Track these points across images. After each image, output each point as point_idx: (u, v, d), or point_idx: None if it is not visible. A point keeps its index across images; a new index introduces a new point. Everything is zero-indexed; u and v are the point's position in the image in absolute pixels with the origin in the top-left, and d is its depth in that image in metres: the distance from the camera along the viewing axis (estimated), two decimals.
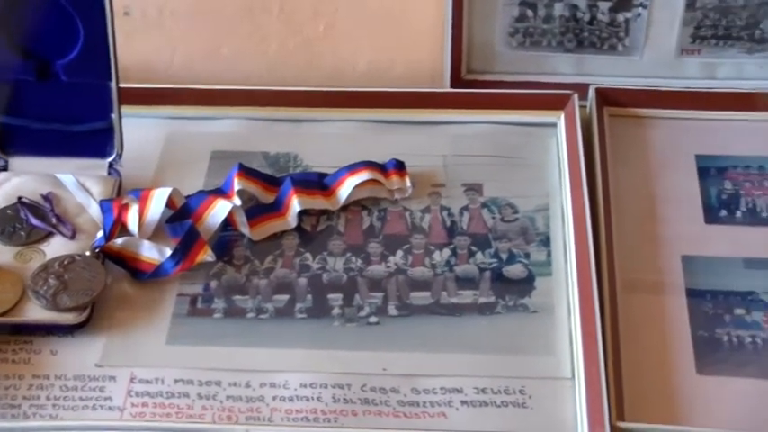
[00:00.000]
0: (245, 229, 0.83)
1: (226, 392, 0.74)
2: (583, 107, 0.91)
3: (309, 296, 0.80)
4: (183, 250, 0.80)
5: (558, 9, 0.93)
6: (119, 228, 0.82)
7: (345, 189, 0.85)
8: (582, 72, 0.95)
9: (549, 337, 0.77)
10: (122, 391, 0.74)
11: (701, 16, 0.92)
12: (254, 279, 0.81)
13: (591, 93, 0.91)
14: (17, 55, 0.84)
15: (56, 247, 0.82)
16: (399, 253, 0.83)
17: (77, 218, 0.84)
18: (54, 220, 0.83)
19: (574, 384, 0.74)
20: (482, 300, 0.79)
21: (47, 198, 0.85)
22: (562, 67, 0.95)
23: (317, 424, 0.72)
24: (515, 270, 0.81)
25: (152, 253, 0.81)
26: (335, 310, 0.79)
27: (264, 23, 0.96)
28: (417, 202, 0.86)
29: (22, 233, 0.82)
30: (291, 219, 0.84)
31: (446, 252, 0.83)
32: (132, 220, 0.82)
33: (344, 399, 0.73)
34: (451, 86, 0.94)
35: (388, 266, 0.82)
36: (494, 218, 0.85)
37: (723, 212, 0.85)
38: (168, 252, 0.80)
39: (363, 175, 0.85)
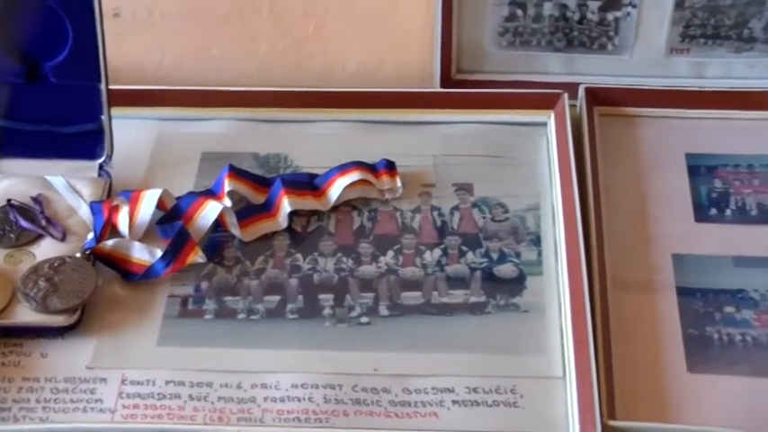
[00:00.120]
0: (235, 230, 0.83)
1: (217, 393, 0.74)
2: (573, 106, 0.91)
3: (300, 297, 0.80)
4: (174, 251, 0.80)
5: (548, 8, 0.93)
6: (109, 229, 0.82)
7: (336, 189, 0.85)
8: (572, 71, 0.95)
9: (540, 336, 0.77)
10: (113, 392, 0.74)
11: (690, 15, 0.92)
12: (245, 280, 0.81)
13: (581, 92, 0.91)
14: (6, 57, 0.84)
15: (46, 249, 0.81)
16: (390, 253, 0.83)
17: (68, 220, 0.84)
18: (44, 222, 0.83)
19: (565, 383, 0.74)
20: (473, 299, 0.80)
21: (37, 200, 0.85)
22: (552, 66, 0.95)
23: (308, 424, 0.72)
24: (506, 269, 0.81)
25: (143, 254, 0.81)
26: (326, 311, 0.79)
27: (254, 24, 0.96)
28: (408, 202, 0.86)
29: (12, 235, 0.82)
30: (282, 219, 0.84)
31: (437, 252, 0.83)
32: (123, 221, 0.82)
33: (336, 399, 0.73)
34: (441, 86, 0.94)
35: (379, 267, 0.82)
36: (484, 217, 0.85)
37: (713, 211, 0.85)
38: (159, 253, 0.80)
39: (354, 176, 0.85)
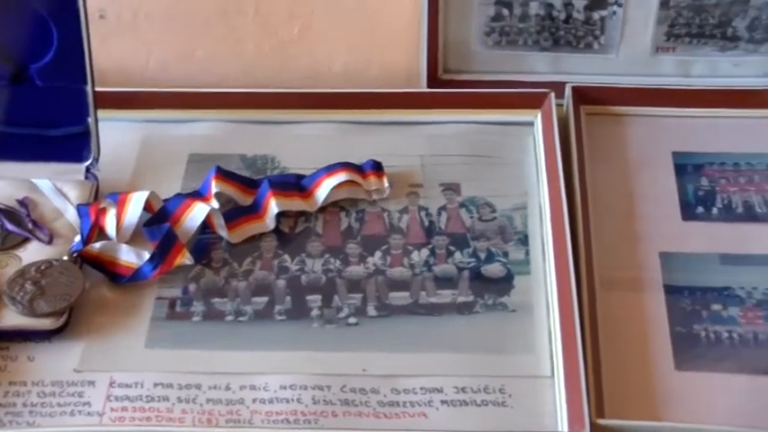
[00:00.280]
0: (223, 231, 0.83)
1: (206, 395, 0.74)
2: (559, 105, 0.91)
3: (288, 298, 0.80)
4: (161, 254, 0.80)
5: (534, 8, 0.93)
6: (96, 232, 0.82)
7: (323, 190, 0.85)
8: (558, 70, 0.95)
9: (528, 335, 0.77)
10: (101, 395, 0.74)
11: (675, 14, 0.92)
12: (233, 282, 0.81)
13: (567, 91, 0.91)
14: None
15: (32, 252, 0.81)
16: (378, 253, 0.83)
17: (54, 222, 0.83)
18: (30, 226, 0.83)
19: (553, 382, 0.74)
20: (461, 299, 0.80)
21: (23, 203, 0.84)
22: (538, 65, 0.95)
23: (297, 426, 0.72)
24: (494, 269, 0.82)
25: (130, 257, 0.81)
26: (314, 312, 0.79)
27: (240, 26, 0.96)
28: (395, 203, 0.86)
29: None
30: (269, 221, 0.84)
31: (424, 252, 0.83)
32: (110, 223, 0.82)
33: (324, 400, 0.73)
34: (428, 86, 0.94)
35: (367, 267, 0.82)
36: (472, 217, 0.85)
37: (700, 209, 0.86)
38: (146, 256, 0.80)
39: (341, 176, 0.85)
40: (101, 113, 0.85)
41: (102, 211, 0.83)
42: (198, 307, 0.79)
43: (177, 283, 0.81)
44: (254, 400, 0.73)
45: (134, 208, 0.83)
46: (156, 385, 0.74)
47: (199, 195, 0.85)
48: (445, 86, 0.95)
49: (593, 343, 0.75)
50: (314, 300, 0.80)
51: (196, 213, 0.82)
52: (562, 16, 0.93)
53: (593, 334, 0.75)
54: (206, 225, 0.83)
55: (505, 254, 0.82)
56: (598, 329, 0.76)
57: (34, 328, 0.76)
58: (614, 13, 0.92)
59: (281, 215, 0.84)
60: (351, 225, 0.85)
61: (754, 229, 0.83)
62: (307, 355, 0.76)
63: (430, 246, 0.83)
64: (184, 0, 0.95)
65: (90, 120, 0.85)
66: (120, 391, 0.74)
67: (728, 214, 0.85)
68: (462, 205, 0.86)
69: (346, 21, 0.95)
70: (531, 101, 0.91)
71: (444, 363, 0.75)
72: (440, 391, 0.74)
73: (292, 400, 0.73)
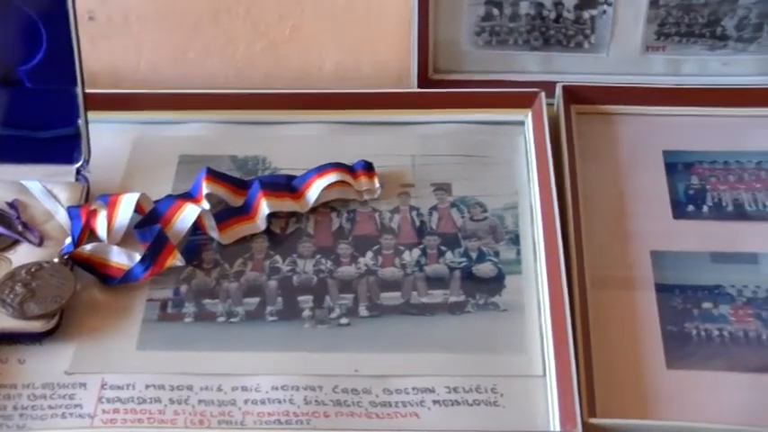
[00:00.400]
0: (214, 232, 0.83)
1: (197, 397, 0.74)
2: (550, 105, 0.91)
3: (280, 299, 0.80)
4: (153, 255, 0.80)
5: (524, 7, 0.93)
6: (87, 234, 0.82)
7: (314, 191, 0.85)
8: (549, 70, 0.95)
9: (519, 334, 0.77)
10: (93, 397, 0.73)
11: (665, 14, 0.92)
12: (224, 283, 0.81)
13: (558, 90, 0.91)
14: None
15: (22, 254, 0.81)
16: (369, 254, 0.83)
17: (45, 225, 0.83)
18: (20, 228, 0.83)
19: (545, 382, 0.74)
20: (452, 299, 0.80)
21: (12, 205, 0.84)
22: (529, 65, 0.95)
23: (289, 426, 0.72)
24: (485, 269, 0.82)
25: (121, 258, 0.81)
26: (306, 313, 0.79)
27: (231, 27, 0.96)
28: (386, 203, 0.86)
29: None
30: (260, 221, 0.84)
31: (416, 252, 0.83)
32: (101, 225, 0.82)
33: (316, 401, 0.73)
34: (419, 86, 0.94)
35: (359, 267, 0.82)
36: (463, 217, 0.85)
37: (690, 207, 0.86)
38: (137, 257, 0.80)
39: (332, 177, 0.85)
40: (91, 115, 0.85)
41: (93, 213, 0.82)
42: (189, 308, 0.79)
43: (168, 284, 0.81)
44: (246, 401, 0.73)
45: (125, 210, 0.83)
46: (147, 387, 0.74)
47: (190, 197, 0.85)
48: (436, 86, 0.95)
49: (584, 342, 0.75)
50: (305, 300, 0.80)
51: (187, 215, 0.82)
52: (552, 15, 0.93)
53: (584, 333, 0.75)
54: (197, 226, 0.83)
55: (497, 253, 0.83)
56: (589, 329, 0.76)
57: (24, 330, 0.76)
58: (604, 12, 0.93)
59: (272, 216, 0.84)
60: (342, 225, 0.85)
61: (744, 227, 0.84)
62: (298, 356, 0.76)
63: (421, 246, 0.83)
64: (175, 1, 0.95)
65: (80, 121, 0.85)
66: (112, 393, 0.74)
67: (719, 213, 0.85)
68: (453, 205, 0.86)
69: (337, 21, 0.95)
70: (522, 100, 0.91)
71: (436, 363, 0.75)
72: (432, 391, 0.74)
73: (284, 400, 0.73)
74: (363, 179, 0.86)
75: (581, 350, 0.74)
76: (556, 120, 0.90)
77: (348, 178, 0.86)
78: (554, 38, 0.94)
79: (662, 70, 0.95)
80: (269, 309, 0.79)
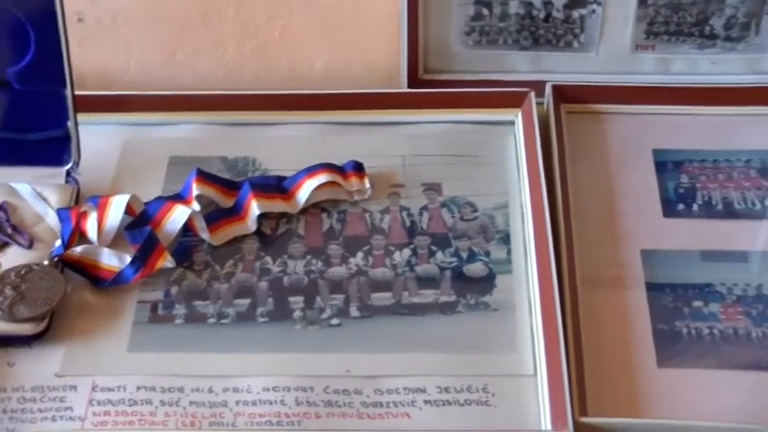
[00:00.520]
0: (204, 234, 0.83)
1: (189, 398, 0.74)
2: (540, 104, 0.91)
3: (270, 300, 0.80)
4: (143, 257, 0.80)
5: (514, 7, 0.93)
6: (77, 236, 0.82)
7: (304, 192, 0.85)
8: (538, 69, 0.95)
9: (510, 334, 0.77)
10: (84, 400, 0.73)
11: (654, 13, 0.92)
12: (215, 284, 0.81)
13: (548, 90, 0.91)
14: None
15: (12, 257, 0.81)
16: (360, 254, 0.83)
17: (34, 227, 0.83)
18: (10, 230, 0.82)
19: (536, 381, 0.74)
20: (443, 299, 0.80)
21: (2, 208, 0.84)
22: (519, 64, 0.96)
23: (280, 427, 0.72)
24: (476, 268, 0.82)
25: (112, 260, 0.81)
26: (297, 313, 0.79)
27: (220, 28, 0.96)
28: (377, 203, 0.86)
29: None
30: (251, 223, 0.84)
31: (406, 252, 0.83)
32: (91, 227, 0.82)
33: (308, 401, 0.73)
34: (409, 86, 0.95)
35: (349, 268, 0.82)
36: (453, 217, 0.85)
37: (680, 206, 0.86)
38: (128, 259, 0.80)
39: (322, 178, 0.85)
40: (81, 117, 0.85)
41: (83, 215, 0.82)
42: (180, 310, 0.79)
43: (159, 286, 0.81)
44: (237, 403, 0.73)
45: (115, 211, 0.82)
46: (138, 389, 0.74)
47: (180, 198, 0.85)
48: (426, 86, 0.95)
49: (575, 341, 0.75)
50: (296, 301, 0.80)
51: (177, 216, 0.82)
52: (542, 15, 0.93)
53: (575, 332, 0.76)
54: (187, 228, 0.83)
55: (487, 253, 0.83)
56: (580, 328, 0.76)
57: (14, 333, 0.76)
58: (594, 11, 0.93)
59: (262, 217, 0.84)
60: (332, 226, 0.85)
61: (733, 225, 0.84)
62: (289, 357, 0.76)
63: (412, 246, 0.83)
64: (164, 3, 0.95)
65: (70, 123, 0.85)
66: (103, 396, 0.74)
67: (709, 211, 0.85)
68: (444, 205, 0.86)
69: (326, 22, 0.95)
70: (512, 100, 0.91)
71: (427, 363, 0.75)
72: (423, 391, 0.74)
73: (275, 401, 0.73)
74: (354, 179, 0.86)
75: (572, 349, 0.74)
76: (546, 119, 0.90)
77: (338, 179, 0.86)
78: (543, 37, 0.94)
79: (651, 69, 0.95)
80: (260, 310, 0.79)
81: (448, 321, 0.78)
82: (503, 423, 0.72)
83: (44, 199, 0.85)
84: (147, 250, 0.80)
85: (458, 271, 0.81)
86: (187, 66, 0.98)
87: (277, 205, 0.85)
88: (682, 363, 0.75)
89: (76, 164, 0.86)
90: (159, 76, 0.98)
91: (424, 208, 0.86)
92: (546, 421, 0.71)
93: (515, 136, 0.91)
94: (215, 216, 0.84)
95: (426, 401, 0.73)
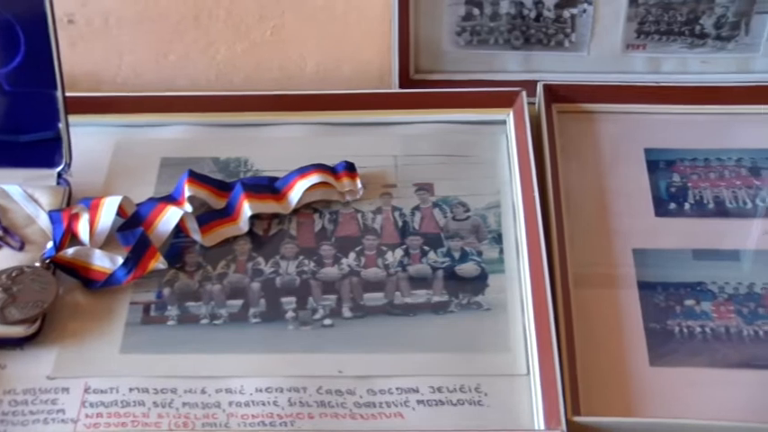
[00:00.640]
0: (196, 235, 0.83)
1: (182, 399, 0.74)
2: (531, 104, 0.91)
3: (263, 300, 0.80)
4: (135, 258, 0.80)
5: (505, 7, 0.93)
6: (69, 237, 0.82)
7: (296, 192, 0.85)
8: (530, 69, 0.95)
9: (503, 334, 0.77)
10: (76, 402, 0.73)
11: (645, 12, 0.92)
12: (207, 285, 0.81)
13: (539, 89, 0.91)
14: None
15: (3, 259, 0.80)
16: (352, 255, 0.83)
17: (26, 229, 0.83)
18: (1, 233, 0.82)
19: (529, 380, 0.74)
20: (436, 299, 0.80)
21: None
22: (510, 64, 0.96)
23: (273, 428, 0.72)
24: (468, 268, 0.82)
25: (104, 262, 0.80)
26: (289, 314, 0.79)
27: (212, 29, 0.96)
28: (369, 204, 0.86)
29: None
30: (243, 223, 0.84)
31: (399, 252, 0.83)
32: (83, 229, 0.82)
33: (300, 402, 0.73)
34: (400, 86, 0.95)
35: (341, 268, 0.82)
36: (445, 217, 0.85)
37: (672, 205, 0.86)
38: (120, 260, 0.80)
39: (314, 178, 0.85)
40: (73, 119, 0.85)
41: (75, 217, 0.82)
42: (172, 311, 0.79)
43: (151, 287, 0.81)
44: (230, 404, 0.73)
45: (107, 213, 0.82)
46: (131, 390, 0.74)
47: (172, 199, 0.85)
48: (417, 86, 0.95)
49: (567, 340, 0.75)
50: (289, 302, 0.80)
51: (169, 217, 0.82)
52: (533, 15, 0.93)
53: (567, 331, 0.76)
54: (179, 229, 0.83)
55: (479, 253, 0.83)
56: (573, 327, 0.77)
57: (5, 335, 0.76)
58: (584, 11, 0.93)
59: (254, 218, 0.84)
60: (325, 226, 0.85)
61: (724, 224, 0.84)
62: (282, 358, 0.76)
63: (404, 246, 0.83)
64: (155, 4, 0.95)
65: (61, 125, 0.84)
66: (95, 397, 0.73)
67: (700, 210, 0.85)
68: (436, 205, 0.86)
69: (318, 22, 0.95)
70: (503, 99, 0.92)
71: (420, 362, 0.75)
72: (416, 390, 0.74)
73: (268, 402, 0.73)
74: (345, 180, 0.86)
75: (564, 348, 0.74)
76: (537, 119, 0.90)
77: (330, 179, 0.86)
78: (534, 37, 0.94)
79: (642, 68, 0.95)
80: (252, 311, 0.79)
81: (440, 321, 0.78)
82: (496, 423, 0.72)
83: (35, 201, 0.85)
84: (139, 252, 0.80)
85: (450, 271, 0.81)
86: (178, 67, 0.98)
87: (269, 206, 0.85)
88: (674, 361, 0.75)
89: (68, 165, 0.86)
90: (150, 78, 0.98)
91: (416, 208, 0.86)
92: (539, 421, 0.71)
93: (507, 136, 0.91)
94: (207, 217, 0.84)
95: (419, 401, 0.73)
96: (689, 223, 0.84)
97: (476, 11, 0.93)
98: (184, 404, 0.73)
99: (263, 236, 0.84)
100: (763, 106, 0.92)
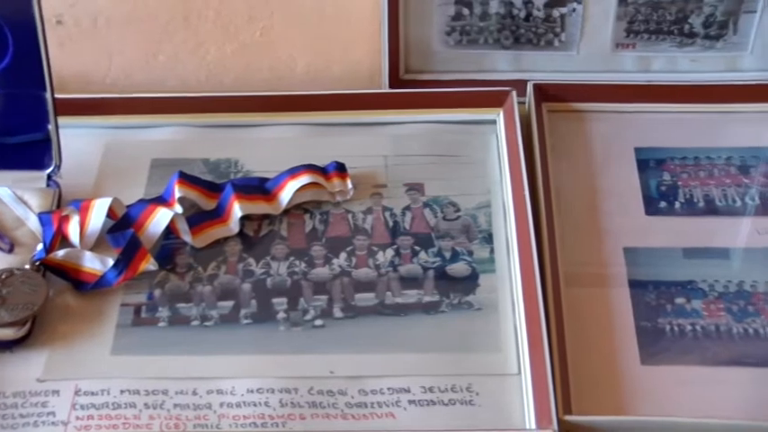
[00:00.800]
0: (187, 236, 0.83)
1: (173, 401, 0.73)
2: (521, 103, 0.91)
3: (254, 301, 0.80)
4: (126, 260, 0.79)
5: (494, 6, 0.93)
6: (59, 239, 0.81)
7: (287, 193, 0.85)
8: (519, 68, 0.96)
9: (494, 333, 0.77)
10: (66, 404, 0.73)
11: (634, 11, 0.93)
12: (198, 286, 0.81)
13: (529, 89, 0.91)
14: None
15: None
16: (343, 255, 0.83)
17: (15, 231, 0.83)
18: None
19: (520, 380, 0.74)
20: (427, 299, 0.80)
21: None
22: (500, 64, 0.96)
23: (265, 429, 0.72)
24: (459, 268, 0.82)
25: (94, 264, 0.80)
26: (280, 315, 0.79)
27: (201, 29, 0.96)
28: (359, 204, 0.86)
29: None
30: (233, 224, 0.84)
31: (389, 252, 0.83)
32: (73, 231, 0.82)
33: (292, 403, 0.73)
34: (390, 87, 0.95)
35: (332, 269, 0.82)
36: (436, 217, 0.85)
37: (662, 204, 0.86)
38: (110, 262, 0.80)
39: (304, 179, 0.85)
40: (63, 120, 0.85)
41: (65, 219, 0.82)
42: (163, 312, 0.79)
43: (142, 288, 0.80)
44: (221, 405, 0.73)
45: (97, 215, 0.82)
46: (122, 392, 0.74)
47: (162, 201, 0.85)
48: (407, 86, 0.95)
49: (559, 340, 0.75)
50: (280, 303, 0.80)
51: (160, 219, 0.82)
52: (522, 14, 0.94)
53: (558, 331, 0.76)
54: (170, 230, 0.83)
55: (470, 253, 0.83)
56: (564, 326, 0.77)
57: None
58: (574, 10, 0.93)
59: (245, 219, 0.84)
60: (315, 227, 0.85)
61: (715, 222, 0.84)
62: (273, 359, 0.76)
63: (395, 246, 0.83)
64: (144, 5, 0.95)
65: (50, 126, 0.84)
66: (86, 400, 0.73)
67: (691, 208, 0.86)
68: (426, 205, 0.86)
69: (307, 22, 0.95)
70: (493, 99, 0.92)
71: (411, 363, 0.75)
72: (407, 391, 0.74)
73: (260, 403, 0.73)
74: (336, 180, 0.86)
75: (555, 348, 0.74)
76: (527, 118, 0.90)
77: (321, 180, 0.86)
78: (524, 36, 0.95)
79: (632, 67, 0.95)
80: (243, 312, 0.79)
81: (431, 321, 0.78)
82: (487, 422, 0.72)
83: (25, 203, 0.84)
84: (129, 253, 0.80)
85: (441, 271, 0.81)
86: (168, 68, 0.98)
87: (259, 207, 0.85)
88: (665, 360, 0.75)
89: (58, 167, 0.86)
90: (140, 79, 0.98)
91: (407, 208, 0.86)
92: (530, 420, 0.71)
93: (497, 135, 0.91)
94: (197, 218, 0.84)
95: (411, 401, 0.73)
96: (679, 222, 0.85)
97: (465, 11, 0.93)
98: (175, 405, 0.73)
99: (254, 237, 0.84)
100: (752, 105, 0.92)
